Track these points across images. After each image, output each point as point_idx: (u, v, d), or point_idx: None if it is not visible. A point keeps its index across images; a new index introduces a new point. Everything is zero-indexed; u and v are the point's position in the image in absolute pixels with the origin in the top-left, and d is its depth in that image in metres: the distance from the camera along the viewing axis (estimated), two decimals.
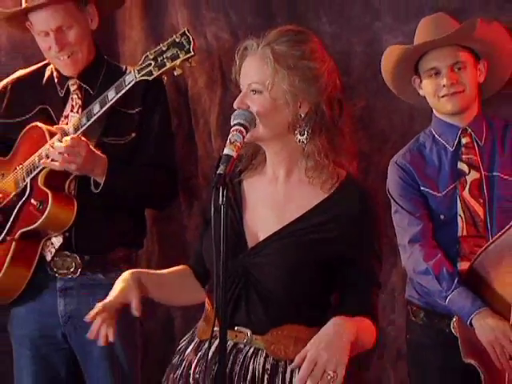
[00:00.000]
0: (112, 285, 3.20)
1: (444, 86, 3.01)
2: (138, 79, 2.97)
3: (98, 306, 2.38)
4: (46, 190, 3.13)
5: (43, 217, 3.11)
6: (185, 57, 2.87)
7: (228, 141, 2.25)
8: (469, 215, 3.02)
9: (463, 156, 3.07)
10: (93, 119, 3.06)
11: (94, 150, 3.09)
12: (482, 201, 3.02)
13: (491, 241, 2.96)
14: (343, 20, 3.64)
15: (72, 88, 3.30)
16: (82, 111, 3.21)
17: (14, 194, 3.23)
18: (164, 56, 2.92)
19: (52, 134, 3.15)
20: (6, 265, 3.21)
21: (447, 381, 3.11)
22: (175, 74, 2.94)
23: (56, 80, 3.32)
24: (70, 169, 3.05)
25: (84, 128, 3.07)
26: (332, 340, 2.12)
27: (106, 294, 3.16)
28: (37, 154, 3.15)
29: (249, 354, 2.36)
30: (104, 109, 3.04)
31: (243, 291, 2.35)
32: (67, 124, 3.22)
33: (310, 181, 2.37)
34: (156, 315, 3.40)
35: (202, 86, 3.78)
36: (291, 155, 2.39)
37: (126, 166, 3.17)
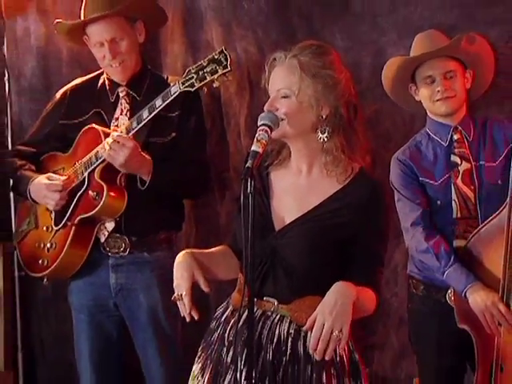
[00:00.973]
0: (155, 262, 3.24)
1: (438, 91, 3.01)
2: (181, 90, 2.96)
3: (183, 288, 2.34)
4: (102, 183, 3.13)
5: (99, 206, 3.11)
6: (222, 72, 2.87)
7: (255, 139, 2.26)
8: (462, 200, 3.01)
9: (455, 150, 3.07)
10: (142, 123, 3.07)
11: (141, 152, 3.09)
12: (472, 187, 3.01)
13: (482, 224, 2.96)
14: (354, 36, 3.64)
15: (121, 94, 3.30)
16: (130, 114, 3.22)
17: (73, 185, 3.23)
18: (204, 70, 2.91)
19: (106, 135, 3.15)
20: (66, 246, 3.22)
21: (443, 343, 3.08)
22: (214, 86, 2.94)
23: (108, 87, 3.32)
24: (114, 162, 3.05)
25: (134, 131, 3.07)
26: (336, 303, 2.17)
27: (151, 270, 3.24)
28: (93, 151, 3.15)
29: (275, 321, 2.37)
30: (152, 115, 3.04)
31: (271, 267, 2.35)
32: (117, 125, 3.24)
33: (328, 173, 2.38)
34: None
35: (232, 92, 3.78)
36: (312, 151, 2.40)
37: (167, 165, 3.15)
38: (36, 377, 4.32)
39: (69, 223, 3.23)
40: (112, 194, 3.14)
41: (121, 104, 3.29)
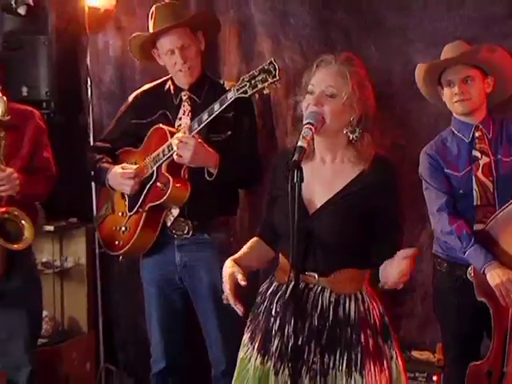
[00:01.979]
0: (214, 242, 3.24)
1: (456, 94, 3.00)
2: (236, 96, 2.94)
3: (226, 289, 2.39)
4: (168, 176, 3.13)
5: (166, 195, 3.11)
6: (272, 80, 2.84)
7: (301, 135, 2.24)
8: (481, 189, 2.99)
9: (477, 146, 3.04)
10: (202, 125, 3.05)
11: (206, 146, 3.08)
12: (491, 178, 2.99)
13: (499, 210, 2.94)
14: (386, 47, 3.62)
15: (184, 98, 3.28)
16: (191, 115, 3.21)
17: (144, 176, 3.24)
18: (256, 79, 2.88)
19: (172, 133, 3.15)
20: (138, 229, 3.23)
21: (463, 314, 3.06)
22: (264, 92, 2.91)
23: (172, 92, 3.31)
24: (183, 161, 3.05)
25: (195, 131, 3.07)
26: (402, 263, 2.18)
27: (210, 249, 3.23)
28: (161, 148, 3.15)
29: (317, 292, 2.37)
30: (211, 117, 3.03)
31: (310, 246, 2.34)
32: (180, 125, 3.24)
33: (350, 160, 2.37)
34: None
35: (280, 96, 3.77)
36: (337, 146, 2.38)
37: (228, 159, 3.13)
38: (113, 337, 4.36)
39: (140, 210, 3.24)
40: (177, 185, 3.13)
41: (183, 106, 3.28)
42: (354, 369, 2.31)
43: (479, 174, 3.00)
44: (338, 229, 2.33)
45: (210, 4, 3.85)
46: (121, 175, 3.24)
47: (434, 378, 3.35)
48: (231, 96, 2.95)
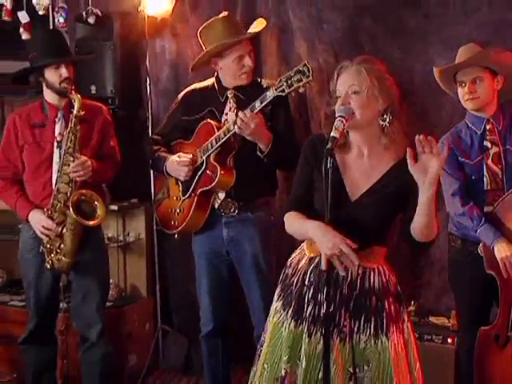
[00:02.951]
0: (257, 220, 3.21)
1: (466, 93, 2.99)
2: (275, 94, 2.93)
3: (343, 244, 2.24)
4: (216, 165, 3.14)
5: (215, 181, 3.13)
6: (306, 80, 2.82)
7: (333, 127, 2.24)
8: (491, 176, 2.99)
9: (488, 137, 3.03)
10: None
11: (264, 127, 3.05)
12: (500, 166, 2.99)
13: (506, 194, 2.94)
14: (408, 49, 3.62)
15: (230, 96, 3.26)
16: (237, 110, 3.18)
17: (196, 165, 3.25)
18: (292, 79, 2.86)
19: (218, 128, 3.16)
20: (191, 211, 3.24)
21: (474, 285, 3.07)
22: (300, 91, 2.90)
23: (217, 91, 3.29)
24: (241, 133, 3.01)
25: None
26: None
27: (253, 226, 3.21)
28: (209, 141, 3.16)
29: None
30: (253, 113, 3.00)
31: (346, 226, 2.28)
32: (227, 119, 3.22)
33: (385, 148, 2.36)
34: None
35: (315, 92, 3.77)
36: (372, 137, 2.37)
37: (275, 140, 3.10)
38: (168, 302, 4.38)
39: (193, 194, 3.25)
40: (224, 172, 3.13)
41: (229, 103, 3.26)
42: (380, 331, 2.33)
43: (489, 162, 3.00)
44: (374, 213, 2.33)
45: (253, 13, 3.84)
46: (177, 163, 3.26)
47: (449, 340, 3.34)
48: (270, 95, 2.94)
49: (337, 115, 2.29)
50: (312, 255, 2.42)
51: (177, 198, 3.36)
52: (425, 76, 3.41)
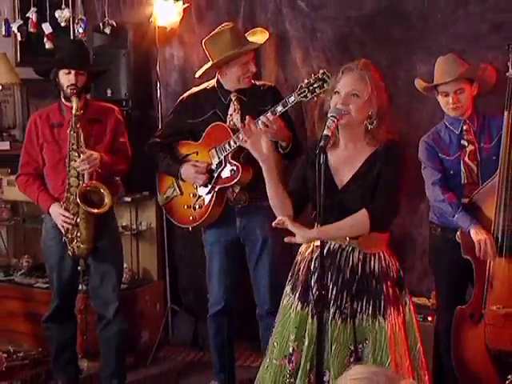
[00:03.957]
0: (267, 208, 2.93)
1: (450, 103, 2.99)
2: (298, 100, 2.90)
3: None
4: (237, 163, 3.12)
5: (236, 179, 3.11)
6: (327, 87, 2.71)
7: (326, 126, 2.25)
8: (468, 171, 2.99)
9: (465, 136, 3.03)
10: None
11: (285, 128, 3.02)
12: (475, 162, 2.99)
13: (481, 186, 2.95)
14: (393, 56, 3.61)
15: (233, 98, 3.23)
16: (240, 112, 3.17)
17: (213, 164, 3.21)
18: (313, 86, 2.84)
19: (232, 130, 3.13)
20: (211, 206, 3.22)
21: (452, 268, 3.08)
22: (320, 96, 2.81)
23: (220, 93, 3.25)
24: (266, 135, 2.91)
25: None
26: None
27: (263, 214, 3.09)
28: (226, 141, 3.11)
29: (349, 251, 2.40)
30: (275, 116, 2.97)
31: (339, 213, 2.33)
32: (232, 120, 3.19)
33: (367, 143, 2.38)
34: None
35: None
36: (357, 134, 2.39)
37: (295, 139, 3.10)
38: (177, 285, 4.37)
39: (212, 191, 3.22)
40: (244, 170, 3.12)
41: (233, 104, 3.22)
42: (378, 313, 2.34)
43: (466, 158, 3.00)
44: (360, 197, 2.34)
45: (253, 23, 3.84)
46: (195, 171, 3.21)
47: (429, 318, 3.34)
48: (293, 99, 2.91)
49: (329, 115, 2.29)
50: (317, 244, 2.40)
51: (193, 195, 3.30)
52: (408, 80, 3.40)
